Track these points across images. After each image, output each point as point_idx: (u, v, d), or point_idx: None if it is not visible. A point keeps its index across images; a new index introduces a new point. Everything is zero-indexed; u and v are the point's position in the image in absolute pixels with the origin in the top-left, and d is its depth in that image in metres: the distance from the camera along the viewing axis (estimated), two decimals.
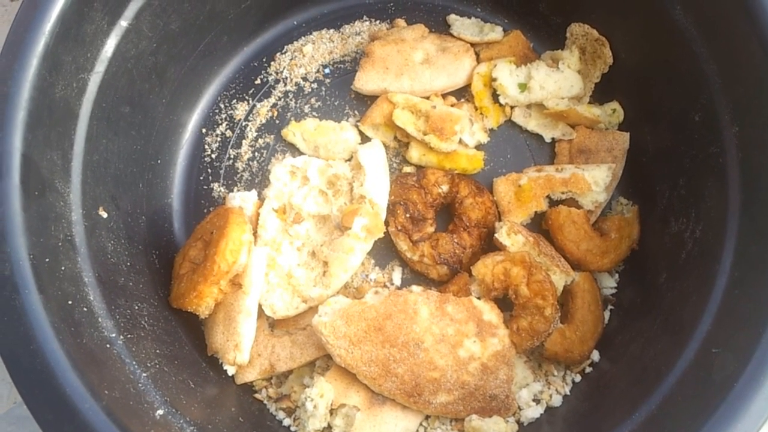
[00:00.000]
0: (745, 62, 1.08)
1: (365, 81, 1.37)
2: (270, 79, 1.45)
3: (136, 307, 1.14)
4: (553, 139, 1.39)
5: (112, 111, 1.18)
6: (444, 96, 1.39)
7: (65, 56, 1.05)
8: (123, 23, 1.15)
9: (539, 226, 1.34)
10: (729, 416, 0.91)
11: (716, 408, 0.92)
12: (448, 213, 1.35)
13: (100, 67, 1.13)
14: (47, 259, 0.99)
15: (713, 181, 1.14)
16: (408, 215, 1.29)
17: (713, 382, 0.96)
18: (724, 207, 1.10)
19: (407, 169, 1.37)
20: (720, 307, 1.05)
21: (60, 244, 1.03)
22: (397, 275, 1.33)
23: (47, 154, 1.04)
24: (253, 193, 1.31)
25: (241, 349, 1.18)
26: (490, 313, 1.19)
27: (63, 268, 1.02)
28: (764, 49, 1.04)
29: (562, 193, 1.31)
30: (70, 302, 1.01)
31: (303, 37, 1.47)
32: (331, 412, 1.16)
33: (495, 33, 1.42)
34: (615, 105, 1.38)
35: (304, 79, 1.44)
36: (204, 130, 1.42)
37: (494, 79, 1.37)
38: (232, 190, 1.39)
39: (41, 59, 1.01)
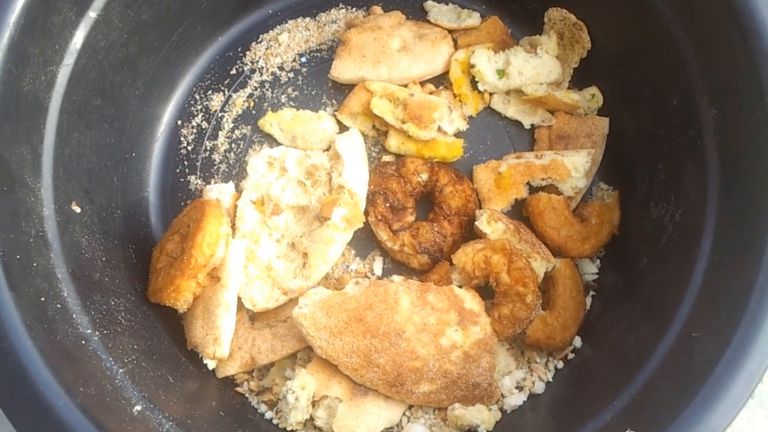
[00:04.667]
0: (722, 45, 1.08)
1: (342, 69, 1.35)
2: (245, 69, 1.43)
3: (113, 303, 1.13)
4: (532, 125, 1.39)
5: (83, 104, 1.16)
6: (422, 83, 1.38)
7: (32, 48, 1.03)
8: (92, 14, 1.13)
9: (520, 213, 1.33)
10: (709, 399, 0.91)
11: (697, 391, 0.92)
12: (428, 202, 1.35)
13: (69, 60, 1.11)
14: (18, 256, 0.98)
15: (692, 164, 1.14)
16: (388, 204, 1.28)
17: (694, 366, 0.97)
18: (703, 190, 1.10)
19: (386, 158, 1.36)
20: (700, 290, 1.05)
21: (31, 240, 1.02)
22: (378, 265, 1.32)
23: (16, 148, 1.02)
24: (231, 185, 1.29)
25: (221, 342, 1.17)
26: (472, 301, 1.19)
27: (35, 264, 1.01)
28: (740, 32, 1.03)
29: (542, 179, 1.30)
30: (43, 299, 0.99)
31: (278, 26, 1.45)
32: (313, 404, 1.16)
33: (472, 19, 1.41)
34: (594, 90, 1.37)
35: (281, 68, 1.42)
36: (179, 122, 1.40)
37: (472, 66, 1.36)
38: (209, 183, 1.37)
39: (6, 52, 0.99)
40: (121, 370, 1.03)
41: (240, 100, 1.41)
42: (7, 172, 1.00)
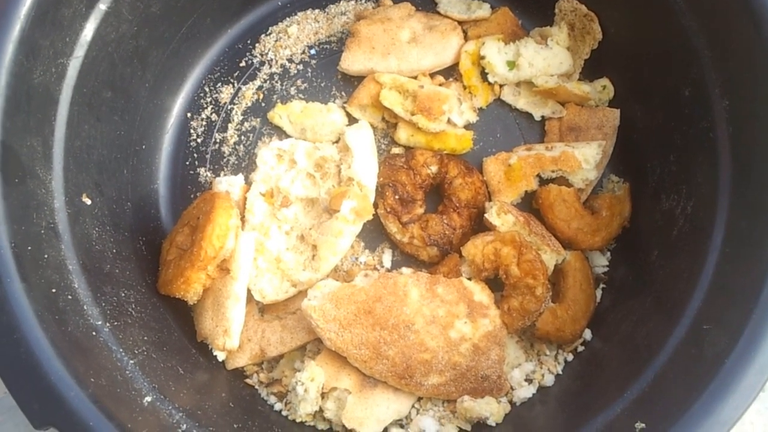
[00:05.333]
0: (735, 35, 1.07)
1: (351, 61, 1.35)
2: (255, 61, 1.43)
3: (123, 294, 1.13)
4: (542, 117, 1.38)
5: (94, 96, 1.16)
6: (432, 75, 1.38)
7: (42, 41, 1.04)
8: (102, 6, 1.13)
9: (530, 205, 1.33)
10: (720, 392, 0.91)
11: (708, 384, 0.92)
12: (437, 194, 1.34)
13: (79, 52, 1.11)
14: (29, 248, 0.98)
15: (703, 156, 1.13)
16: (397, 197, 1.28)
17: (704, 359, 0.96)
18: (715, 182, 1.09)
19: (395, 150, 1.35)
20: (711, 283, 1.04)
21: (42, 231, 1.03)
22: (387, 257, 1.32)
23: (27, 140, 1.03)
24: (240, 177, 1.30)
25: (231, 334, 1.17)
26: (481, 293, 1.18)
27: (46, 256, 1.01)
28: (754, 22, 1.02)
29: (553, 171, 1.30)
30: (54, 290, 1.00)
31: (288, 18, 1.44)
32: (323, 395, 1.16)
33: (482, 10, 1.40)
34: (605, 81, 1.37)
35: (290, 60, 1.42)
36: (189, 114, 1.40)
37: (482, 57, 1.35)
38: (218, 175, 1.38)
39: (17, 44, 0.99)
40: (131, 361, 1.04)
41: (249, 93, 1.41)
42: (18, 164, 1.00)
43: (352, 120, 1.36)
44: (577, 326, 1.22)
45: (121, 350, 1.04)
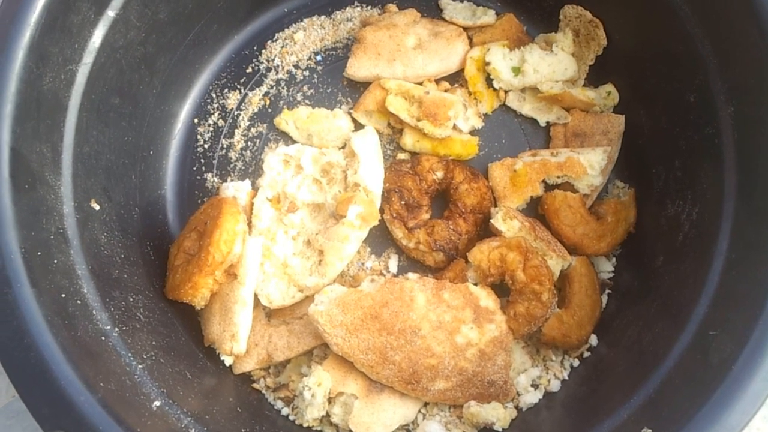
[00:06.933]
0: (740, 41, 1.07)
1: (357, 67, 1.36)
2: (261, 67, 1.43)
3: (131, 299, 1.14)
4: (547, 122, 1.38)
5: (102, 102, 1.17)
6: (437, 81, 1.38)
7: (52, 48, 1.04)
8: (110, 13, 1.14)
9: (535, 210, 1.33)
10: (726, 399, 0.91)
11: (714, 391, 0.92)
12: (443, 199, 1.35)
13: (88, 58, 1.12)
14: (39, 253, 0.99)
15: (709, 162, 1.13)
16: (403, 202, 1.28)
17: (711, 365, 0.96)
18: (720, 188, 1.09)
19: (401, 155, 1.36)
20: (717, 289, 1.04)
21: (52, 237, 1.03)
22: (393, 263, 1.33)
23: (36, 146, 1.03)
24: (247, 182, 1.30)
25: (238, 339, 1.18)
26: (487, 299, 1.18)
27: (56, 261, 1.02)
28: (759, 28, 1.03)
29: (558, 177, 1.30)
30: (63, 295, 1.00)
31: (294, 24, 1.45)
32: (329, 400, 1.16)
33: (488, 16, 1.41)
34: (610, 87, 1.37)
35: (296, 66, 1.43)
36: (196, 120, 1.41)
37: (488, 64, 1.35)
38: (225, 180, 1.38)
39: (27, 51, 1.00)
40: (140, 366, 1.04)
41: (256, 99, 1.41)
42: (28, 170, 1.01)
43: (358, 126, 1.37)
44: (583, 332, 1.23)
45: (129, 355, 1.04)
